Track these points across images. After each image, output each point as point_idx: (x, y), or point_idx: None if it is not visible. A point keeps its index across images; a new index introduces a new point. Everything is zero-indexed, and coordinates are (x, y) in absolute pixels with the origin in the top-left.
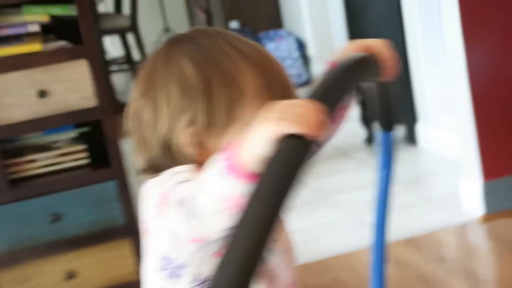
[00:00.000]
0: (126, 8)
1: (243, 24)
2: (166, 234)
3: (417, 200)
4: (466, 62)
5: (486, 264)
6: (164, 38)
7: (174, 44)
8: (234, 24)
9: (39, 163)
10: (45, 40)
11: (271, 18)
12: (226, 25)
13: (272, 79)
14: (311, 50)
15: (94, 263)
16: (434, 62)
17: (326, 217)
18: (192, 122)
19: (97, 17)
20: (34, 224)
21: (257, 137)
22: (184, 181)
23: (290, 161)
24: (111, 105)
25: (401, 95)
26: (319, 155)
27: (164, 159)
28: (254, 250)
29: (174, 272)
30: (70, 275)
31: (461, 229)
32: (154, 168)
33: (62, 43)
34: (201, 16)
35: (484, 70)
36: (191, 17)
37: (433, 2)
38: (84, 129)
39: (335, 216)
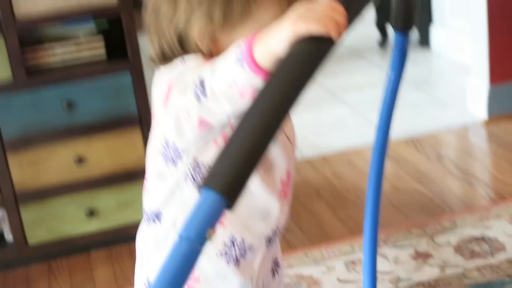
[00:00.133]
0: None
1: None
2: (172, 118)
3: (424, 101)
4: None
5: (483, 164)
6: None
7: None
8: None
9: (57, 53)
10: None
11: None
12: None
13: None
14: None
15: (104, 149)
16: None
17: (332, 114)
18: (208, 16)
19: None
20: (49, 110)
21: (276, 34)
22: (194, 67)
23: (307, 62)
24: None
25: None
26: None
27: (177, 50)
28: (257, 144)
29: (173, 157)
30: (80, 159)
31: (463, 130)
32: (166, 57)
33: None
34: None
35: None
36: None
37: None
38: (103, 21)
39: (341, 113)
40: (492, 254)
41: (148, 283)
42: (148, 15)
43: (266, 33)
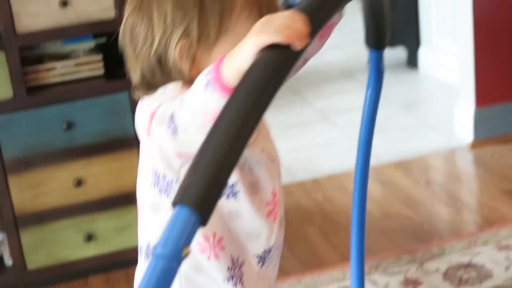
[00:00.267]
0: None
1: None
2: (155, 151)
3: (412, 123)
4: None
5: (469, 189)
6: None
7: None
8: None
9: (57, 71)
10: None
11: None
12: None
13: None
14: None
15: (102, 171)
16: None
17: (323, 137)
18: (185, 36)
19: None
20: (48, 131)
21: (241, 51)
22: (171, 98)
23: (266, 68)
24: None
25: (405, 19)
26: (301, 71)
27: (158, 75)
28: (227, 156)
29: (166, 187)
30: (79, 182)
31: (450, 154)
32: (148, 85)
33: None
34: None
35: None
36: None
37: None
38: (102, 39)
39: (332, 136)
40: (480, 281)
41: None
42: (124, 38)
43: (233, 52)
